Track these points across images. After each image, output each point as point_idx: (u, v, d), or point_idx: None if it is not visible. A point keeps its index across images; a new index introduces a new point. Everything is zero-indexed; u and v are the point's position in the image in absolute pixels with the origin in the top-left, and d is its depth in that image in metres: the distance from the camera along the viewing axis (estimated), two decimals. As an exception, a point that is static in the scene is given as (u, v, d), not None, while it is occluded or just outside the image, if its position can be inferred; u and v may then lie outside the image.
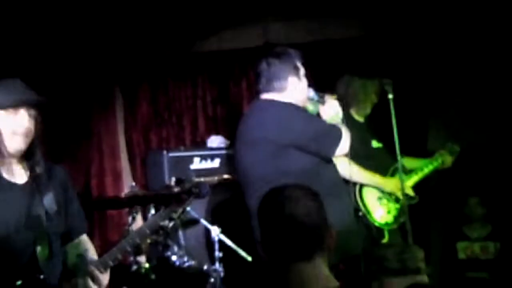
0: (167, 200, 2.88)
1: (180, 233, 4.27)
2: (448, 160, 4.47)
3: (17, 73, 2.67)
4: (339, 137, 3.43)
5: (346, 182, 3.67)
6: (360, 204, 3.99)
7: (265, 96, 3.50)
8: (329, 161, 3.50)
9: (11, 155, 2.60)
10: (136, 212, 3.65)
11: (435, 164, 4.44)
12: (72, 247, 2.81)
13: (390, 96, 3.85)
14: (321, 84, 3.92)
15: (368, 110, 4.32)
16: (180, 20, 4.87)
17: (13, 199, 2.58)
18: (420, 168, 4.40)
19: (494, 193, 5.02)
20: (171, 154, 4.60)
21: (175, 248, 3.91)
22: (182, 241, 4.01)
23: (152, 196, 3.83)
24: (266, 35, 5.07)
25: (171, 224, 3.51)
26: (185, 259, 3.85)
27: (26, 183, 2.64)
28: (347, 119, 3.70)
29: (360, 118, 4.31)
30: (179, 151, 4.73)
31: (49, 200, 2.64)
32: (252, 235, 3.37)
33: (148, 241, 3.69)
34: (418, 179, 4.37)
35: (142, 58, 4.97)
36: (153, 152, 4.91)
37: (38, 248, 2.56)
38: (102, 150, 4.84)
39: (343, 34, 5.14)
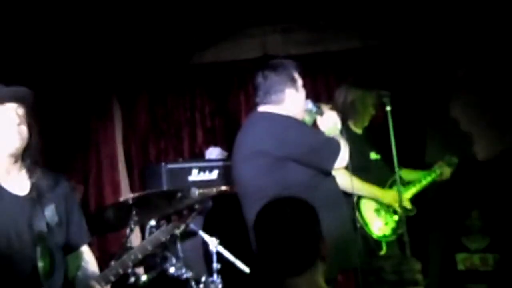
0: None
1: (178, 244, 4.26)
2: (447, 172, 4.47)
3: (15, 81, 2.68)
4: (337, 149, 3.42)
5: (345, 193, 3.68)
6: (358, 215, 3.98)
7: (262, 108, 3.50)
8: (328, 174, 3.48)
9: (9, 156, 2.59)
10: (134, 222, 3.65)
11: (433, 176, 4.44)
12: (74, 258, 2.81)
13: (388, 108, 3.86)
14: (319, 95, 3.93)
15: (366, 122, 4.33)
16: (179, 32, 4.88)
17: (14, 211, 2.58)
18: (418, 180, 4.40)
19: (492, 205, 5.02)
20: (169, 166, 4.59)
21: (173, 260, 3.90)
22: (180, 253, 3.99)
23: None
24: (264, 47, 5.08)
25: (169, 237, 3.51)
26: (183, 270, 3.83)
27: (28, 194, 2.64)
28: (345, 130, 3.70)
29: (358, 130, 4.31)
30: (178, 162, 4.73)
31: (50, 212, 2.64)
32: (250, 247, 3.37)
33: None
34: (416, 191, 4.37)
35: (140, 70, 4.98)
36: (151, 164, 4.91)
37: (40, 261, 2.55)
38: (100, 161, 4.84)
39: (341, 46, 5.15)
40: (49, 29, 4.41)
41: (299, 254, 1.97)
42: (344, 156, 3.45)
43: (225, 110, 5.25)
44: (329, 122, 3.58)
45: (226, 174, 4.62)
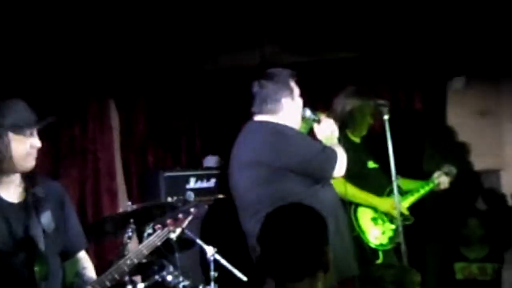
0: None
1: (176, 253, 4.26)
2: (446, 181, 4.48)
3: (13, 89, 2.68)
4: (334, 159, 3.40)
5: (343, 202, 3.67)
6: (355, 224, 3.98)
7: (259, 117, 3.49)
8: (326, 183, 3.47)
9: (19, 173, 2.61)
10: (132, 231, 3.64)
11: (431, 185, 4.45)
12: (71, 264, 2.81)
13: (386, 117, 3.86)
14: (316, 104, 3.93)
15: (364, 131, 4.33)
16: (178, 40, 4.88)
17: (10, 218, 2.57)
18: (416, 190, 4.41)
19: (491, 215, 5.03)
20: (167, 174, 4.60)
21: (171, 268, 3.89)
22: (178, 261, 3.99)
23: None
24: (262, 55, 5.09)
25: (166, 244, 3.50)
26: (180, 279, 3.82)
27: (23, 201, 2.63)
28: (344, 139, 3.70)
29: (356, 139, 4.32)
30: (175, 171, 4.74)
31: (46, 218, 2.64)
32: (248, 255, 3.36)
33: (144, 261, 3.67)
34: (414, 200, 4.38)
35: (139, 77, 4.98)
36: (150, 172, 4.91)
37: (36, 268, 2.54)
38: (98, 168, 4.84)
39: (338, 55, 5.15)
40: (47, 35, 4.40)
41: (303, 260, 1.97)
42: (343, 164, 3.44)
43: (224, 119, 5.24)
44: (327, 130, 3.57)
45: (224, 182, 4.61)
